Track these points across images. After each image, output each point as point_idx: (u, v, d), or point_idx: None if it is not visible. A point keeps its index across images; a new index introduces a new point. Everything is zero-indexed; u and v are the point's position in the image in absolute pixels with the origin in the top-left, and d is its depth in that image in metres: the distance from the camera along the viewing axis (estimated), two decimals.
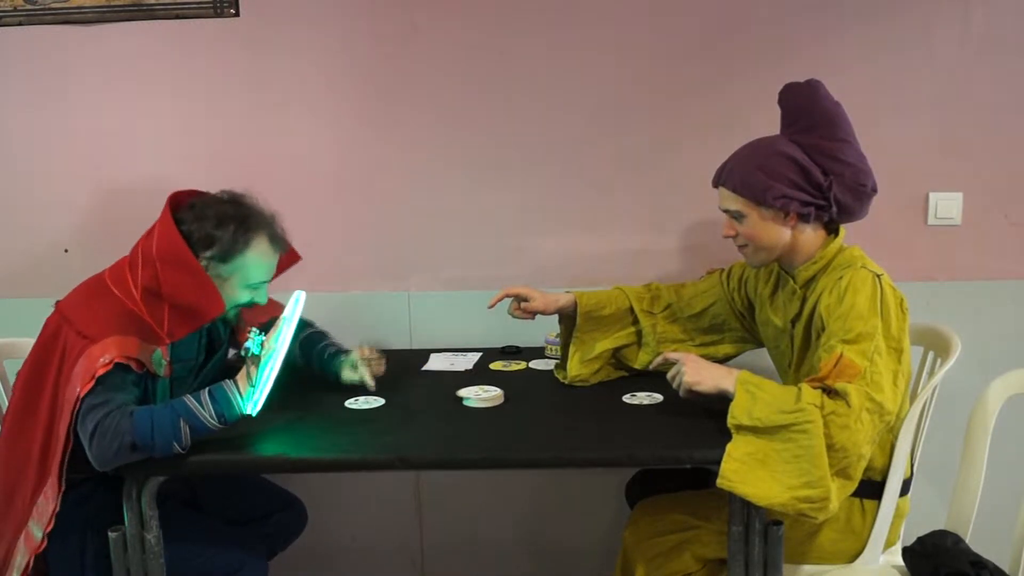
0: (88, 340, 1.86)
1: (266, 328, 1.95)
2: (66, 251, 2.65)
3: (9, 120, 2.61)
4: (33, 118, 2.60)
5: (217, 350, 2.18)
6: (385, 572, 2.82)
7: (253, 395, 1.86)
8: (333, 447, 1.91)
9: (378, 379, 2.23)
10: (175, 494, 2.15)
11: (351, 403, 2.13)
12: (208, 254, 1.96)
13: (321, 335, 2.35)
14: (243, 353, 1.87)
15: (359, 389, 2.21)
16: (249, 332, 1.88)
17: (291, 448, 1.91)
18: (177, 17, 2.54)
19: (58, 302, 2.01)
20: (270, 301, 2.24)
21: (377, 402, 2.14)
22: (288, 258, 2.22)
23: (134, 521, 1.87)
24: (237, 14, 2.54)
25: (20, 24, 2.55)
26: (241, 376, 1.88)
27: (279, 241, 2.07)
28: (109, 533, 1.87)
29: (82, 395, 1.81)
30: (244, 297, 2.04)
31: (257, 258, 2.01)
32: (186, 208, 2.00)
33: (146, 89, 2.58)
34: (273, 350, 1.88)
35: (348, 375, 2.23)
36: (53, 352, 1.93)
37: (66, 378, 1.88)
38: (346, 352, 2.29)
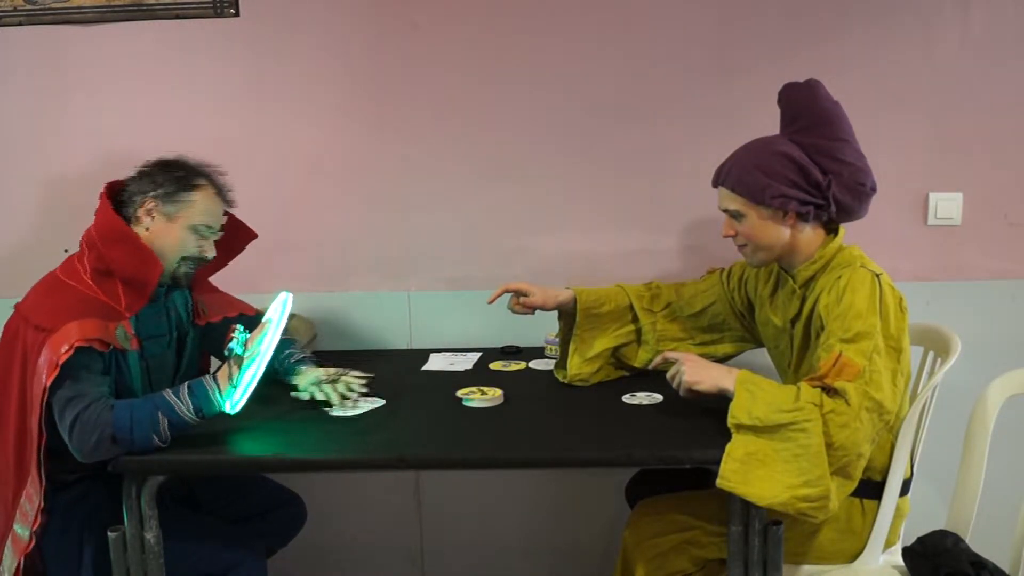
0: (47, 332, 1.87)
1: (251, 326, 1.96)
2: (66, 251, 2.63)
3: (9, 120, 2.61)
4: (33, 118, 2.60)
5: (185, 328, 2.19)
6: (385, 572, 2.82)
7: (232, 394, 1.87)
8: (333, 447, 1.91)
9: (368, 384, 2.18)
10: (172, 492, 2.15)
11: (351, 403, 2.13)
12: (156, 193, 2.01)
13: (286, 342, 2.27)
14: (226, 353, 1.88)
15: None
16: (234, 332, 1.88)
17: (291, 448, 1.91)
18: (177, 17, 2.54)
19: (17, 303, 2.02)
20: (234, 300, 2.29)
21: (377, 402, 2.13)
22: (244, 234, 2.25)
23: (133, 521, 1.87)
24: (237, 14, 2.54)
25: (20, 24, 2.55)
26: (222, 374, 1.89)
27: (223, 190, 2.11)
28: (108, 533, 1.87)
29: (48, 384, 1.82)
30: (190, 243, 2.05)
31: (203, 199, 2.05)
32: (128, 179, 2.05)
33: (146, 89, 2.58)
34: (258, 353, 1.89)
35: (308, 391, 2.13)
36: (14, 352, 1.95)
37: (31, 374, 1.88)
38: (308, 363, 2.22)
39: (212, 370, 2.31)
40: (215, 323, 2.21)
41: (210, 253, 2.09)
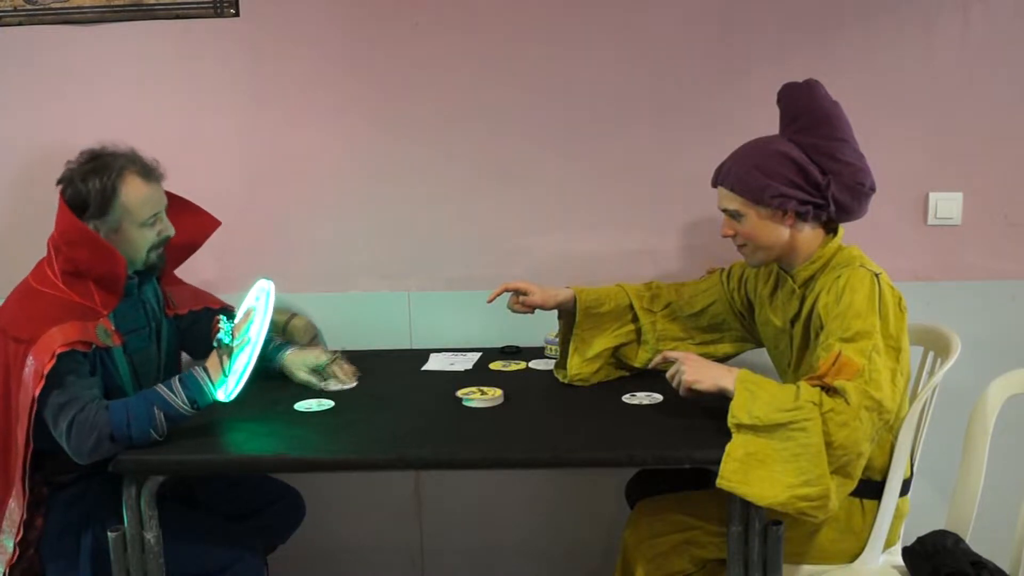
0: (27, 343, 1.87)
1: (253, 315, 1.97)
2: None
3: (9, 120, 2.60)
4: (33, 118, 2.60)
5: (159, 319, 2.19)
6: (385, 572, 2.81)
7: (225, 383, 1.89)
8: (333, 447, 1.92)
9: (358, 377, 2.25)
10: (171, 490, 2.15)
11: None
12: (88, 214, 1.97)
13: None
14: (215, 344, 1.90)
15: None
16: (219, 322, 1.90)
17: (291, 448, 1.91)
18: (177, 17, 2.54)
19: None
20: (199, 292, 2.32)
21: (376, 402, 2.14)
22: (209, 223, 2.24)
23: (133, 521, 1.87)
24: (237, 14, 2.54)
25: (20, 24, 2.55)
26: (213, 364, 1.90)
27: (148, 171, 2.05)
28: (108, 533, 1.87)
29: (36, 395, 1.83)
30: (148, 236, 2.04)
31: (134, 195, 2.00)
32: (61, 186, 2.01)
33: (146, 89, 2.58)
34: (248, 340, 1.92)
35: (304, 376, 2.22)
36: None
37: (16, 386, 1.89)
38: (293, 345, 2.31)
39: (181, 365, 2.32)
40: (182, 315, 2.24)
41: (169, 230, 2.08)
